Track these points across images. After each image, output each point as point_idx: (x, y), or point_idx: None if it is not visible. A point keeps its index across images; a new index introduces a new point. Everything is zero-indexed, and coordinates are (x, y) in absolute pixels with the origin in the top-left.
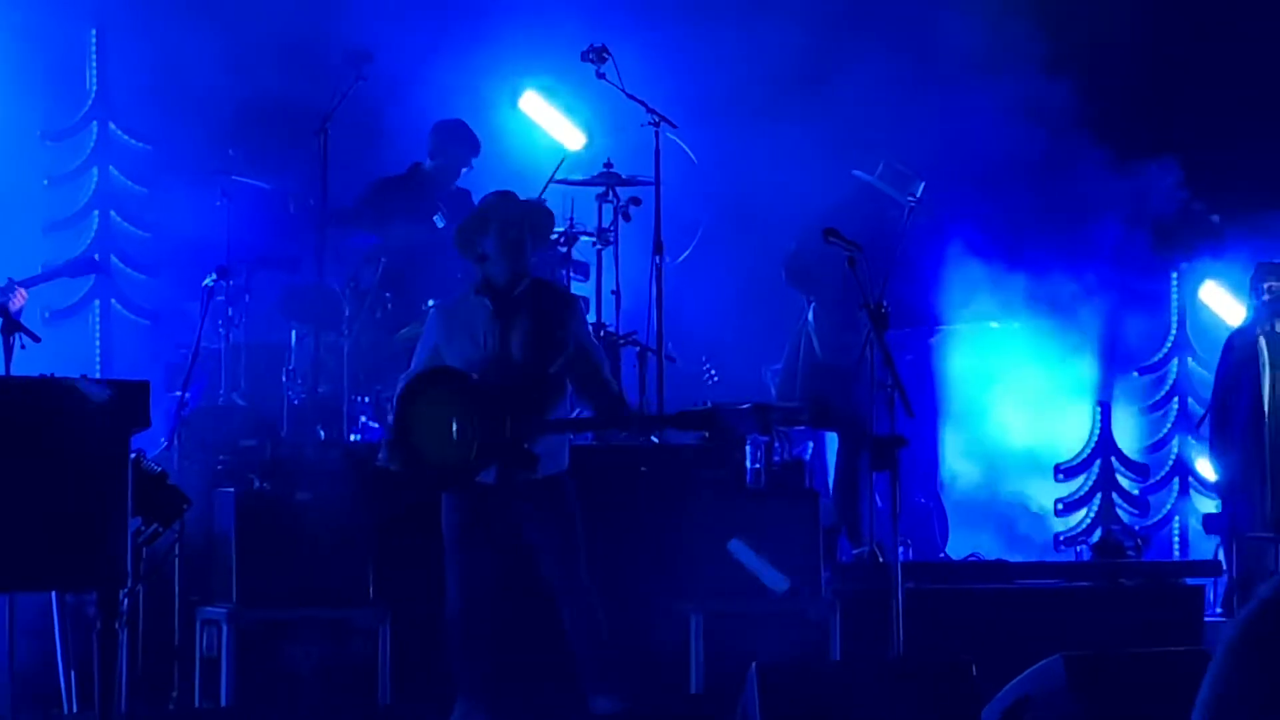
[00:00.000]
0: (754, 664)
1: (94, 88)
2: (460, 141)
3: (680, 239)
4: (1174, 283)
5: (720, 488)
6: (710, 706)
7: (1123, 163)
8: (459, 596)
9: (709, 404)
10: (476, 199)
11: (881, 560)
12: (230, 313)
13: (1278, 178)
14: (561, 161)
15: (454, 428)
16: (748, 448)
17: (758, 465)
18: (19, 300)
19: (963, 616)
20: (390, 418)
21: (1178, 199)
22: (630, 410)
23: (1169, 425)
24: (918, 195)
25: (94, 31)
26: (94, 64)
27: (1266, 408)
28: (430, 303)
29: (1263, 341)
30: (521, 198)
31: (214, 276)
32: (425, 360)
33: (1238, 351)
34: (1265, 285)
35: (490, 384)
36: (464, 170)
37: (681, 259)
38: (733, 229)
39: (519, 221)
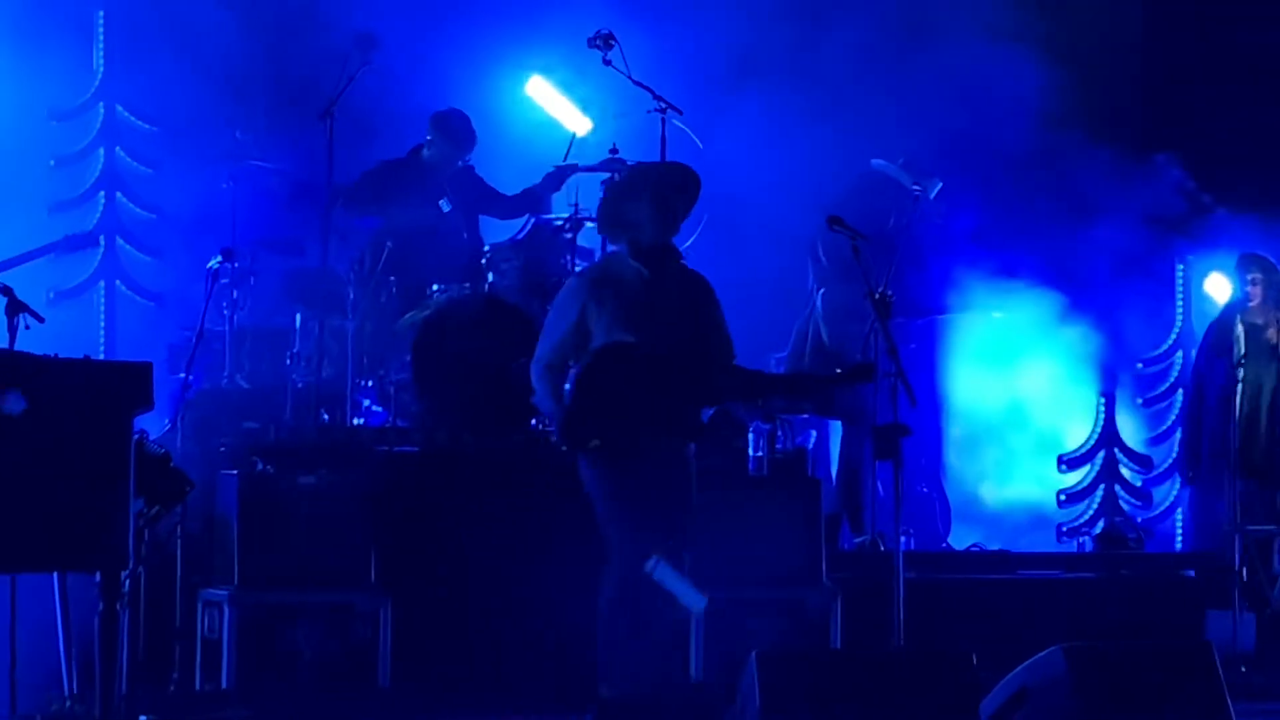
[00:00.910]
0: (754, 652)
1: (101, 68)
2: (453, 138)
3: (686, 226)
4: (1179, 274)
5: (723, 476)
6: (710, 694)
7: (1129, 154)
8: (624, 572)
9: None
10: (483, 176)
11: (883, 549)
12: (235, 295)
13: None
14: (570, 144)
15: (637, 400)
16: (750, 435)
17: (760, 453)
18: None
19: (964, 607)
20: (568, 398)
21: (1184, 190)
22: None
23: (1172, 417)
24: (931, 192)
25: (101, 12)
26: (101, 45)
27: (1239, 396)
28: (436, 287)
29: (1240, 330)
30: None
31: (219, 259)
32: (568, 332)
33: (1214, 340)
34: (1249, 276)
35: (661, 353)
36: (470, 150)
37: (686, 245)
38: (737, 216)
39: (675, 189)
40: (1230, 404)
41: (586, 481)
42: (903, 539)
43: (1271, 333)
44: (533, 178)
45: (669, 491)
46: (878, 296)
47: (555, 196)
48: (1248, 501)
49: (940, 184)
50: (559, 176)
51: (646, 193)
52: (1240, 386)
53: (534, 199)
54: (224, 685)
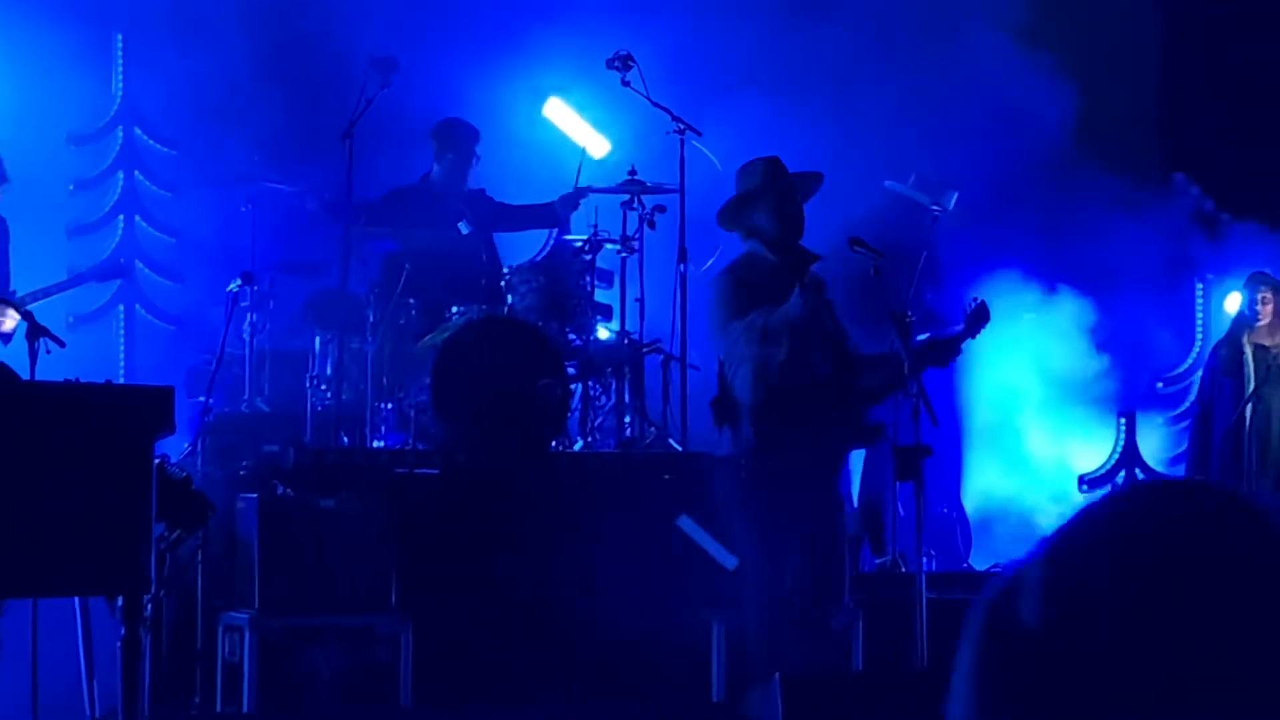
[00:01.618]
0: (777, 674)
1: (120, 92)
2: (458, 134)
3: (705, 247)
4: (1198, 294)
5: None
6: (730, 714)
7: (1146, 173)
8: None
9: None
10: (493, 195)
11: (904, 570)
12: (254, 318)
13: None
14: (580, 163)
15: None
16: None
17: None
18: (8, 323)
19: None
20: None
21: (1202, 209)
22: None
23: None
24: (949, 205)
25: (120, 36)
26: (120, 69)
27: (1248, 415)
28: (455, 309)
29: (1249, 350)
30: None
31: (239, 282)
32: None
33: (1221, 359)
34: (1258, 295)
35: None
36: (473, 162)
37: (706, 267)
38: None
39: (794, 193)
40: (1240, 425)
41: None
42: (924, 560)
43: (1279, 352)
44: (550, 199)
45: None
46: (899, 316)
47: (574, 216)
48: None
49: (956, 193)
50: (575, 198)
51: (770, 199)
52: (1250, 407)
53: (550, 215)
54: (245, 709)
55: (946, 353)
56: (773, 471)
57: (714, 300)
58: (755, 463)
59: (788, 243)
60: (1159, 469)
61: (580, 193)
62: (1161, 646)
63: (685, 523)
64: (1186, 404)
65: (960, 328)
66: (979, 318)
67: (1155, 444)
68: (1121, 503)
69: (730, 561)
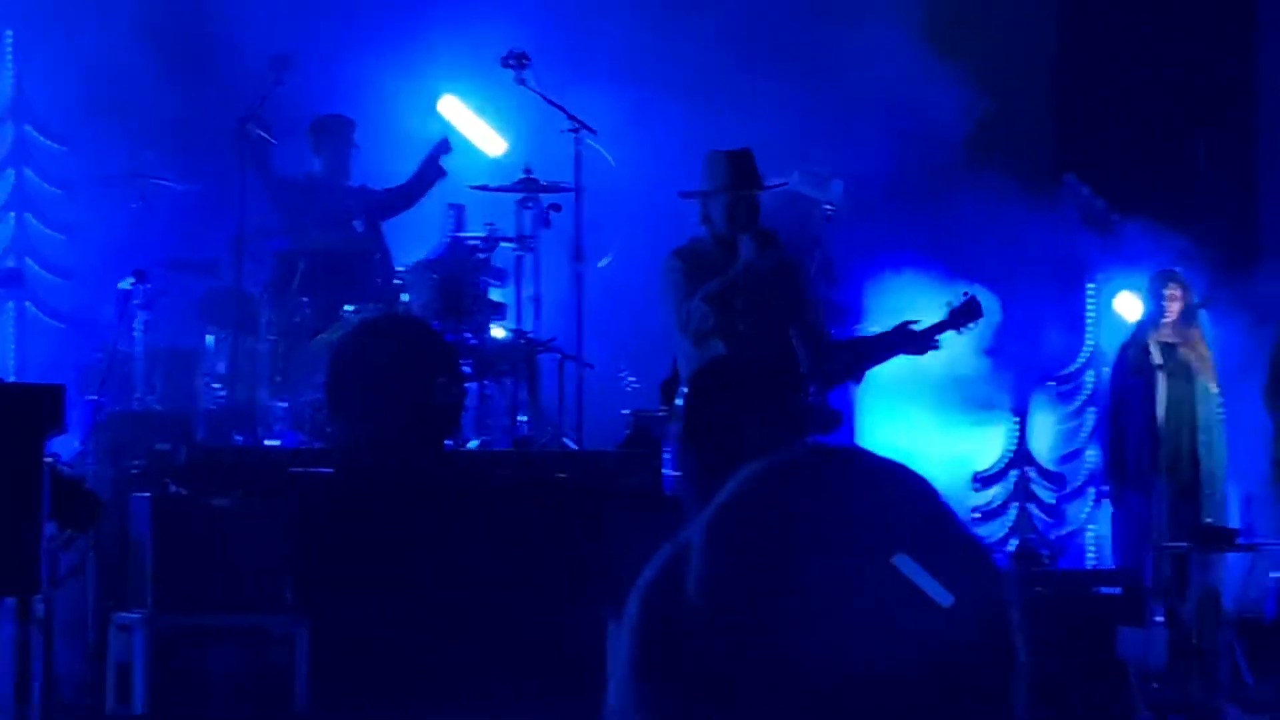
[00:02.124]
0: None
1: (10, 89)
2: (333, 128)
3: (601, 245)
4: (1089, 293)
5: (639, 494)
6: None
7: (1039, 173)
8: None
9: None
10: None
11: None
12: (146, 316)
13: (1183, 189)
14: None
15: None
16: (665, 455)
17: (678, 472)
18: None
19: None
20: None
21: (1094, 210)
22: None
23: (1085, 435)
24: (836, 197)
25: (9, 33)
26: (10, 65)
27: (1160, 415)
28: (350, 307)
29: (1155, 348)
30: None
31: (131, 280)
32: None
33: (1129, 360)
34: (1165, 292)
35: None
36: (351, 153)
37: (601, 265)
38: (652, 236)
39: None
40: (1152, 423)
41: None
42: None
43: (1185, 350)
44: (446, 196)
45: None
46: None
47: (468, 215)
48: (1172, 519)
49: (842, 183)
50: (440, 149)
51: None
52: (1161, 405)
53: (430, 169)
54: (138, 710)
55: (923, 343)
56: (707, 449)
57: (663, 284)
58: (689, 440)
59: (732, 240)
60: (1050, 467)
61: (443, 143)
62: (814, 604)
63: (903, 561)
64: (1078, 403)
65: (943, 318)
66: (968, 312)
67: (1048, 442)
68: (773, 472)
69: (946, 599)
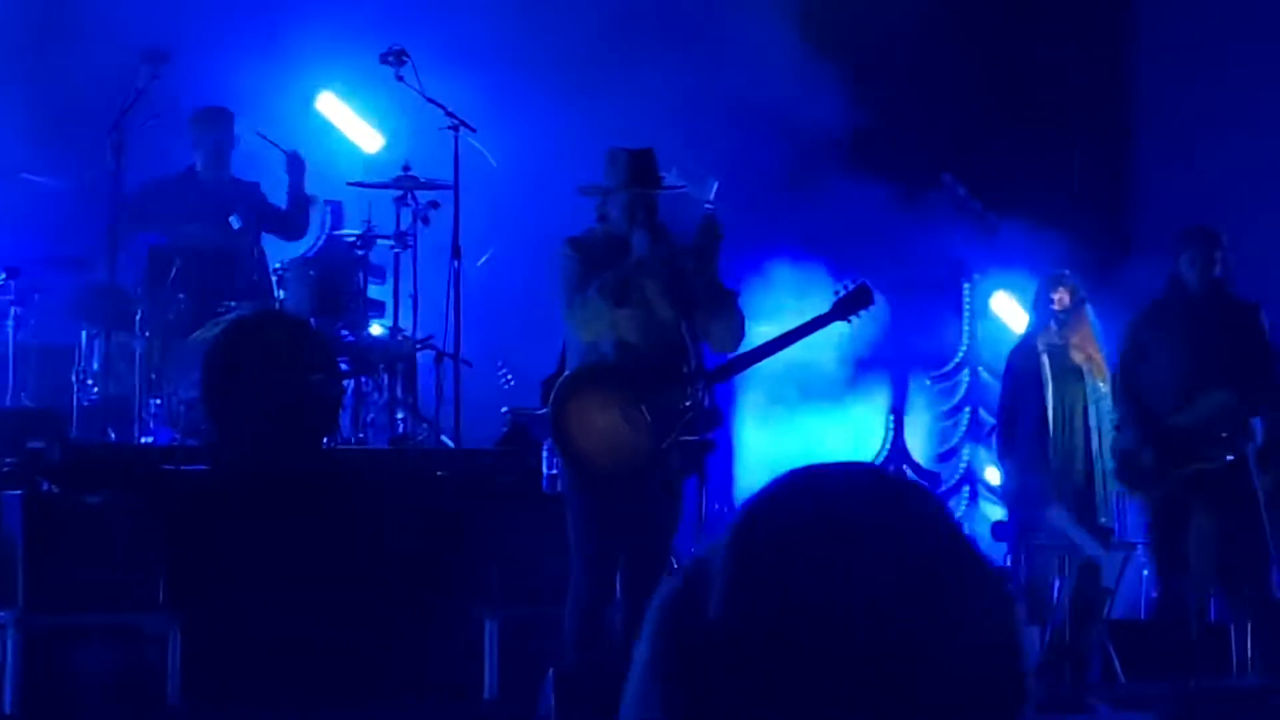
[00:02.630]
0: (551, 669)
1: None
2: (212, 120)
3: (479, 243)
4: (965, 293)
5: (516, 492)
6: (503, 711)
7: (914, 172)
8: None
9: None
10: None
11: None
12: (18, 312)
13: (1059, 190)
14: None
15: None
16: (544, 453)
17: (554, 471)
18: None
19: None
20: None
21: (970, 209)
22: None
23: (960, 434)
24: (710, 194)
25: None
26: None
27: (1050, 419)
28: (226, 304)
29: (1044, 354)
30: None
31: (3, 276)
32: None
33: (1020, 364)
34: (1053, 295)
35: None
36: (232, 145)
37: (480, 263)
38: (530, 233)
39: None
40: (1043, 427)
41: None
42: None
43: (1075, 353)
44: (324, 193)
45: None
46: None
47: (346, 211)
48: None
49: (716, 182)
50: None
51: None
52: (1051, 411)
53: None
54: (6, 710)
55: (807, 335)
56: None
57: (559, 271)
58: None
59: (625, 237)
60: (927, 465)
61: (294, 160)
62: (835, 621)
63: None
64: (953, 402)
65: (830, 308)
66: (858, 300)
67: (923, 440)
68: (786, 489)
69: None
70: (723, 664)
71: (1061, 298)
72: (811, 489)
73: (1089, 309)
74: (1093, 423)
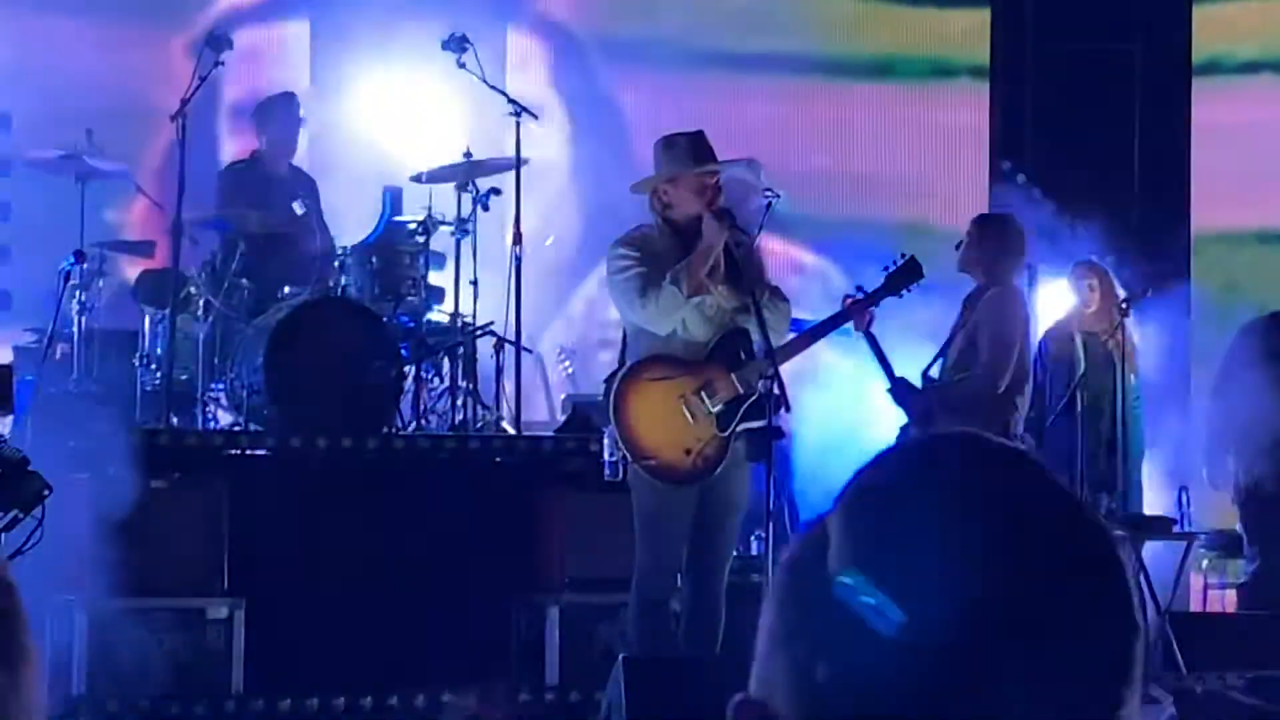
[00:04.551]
0: (621, 656)
1: None
2: (280, 105)
3: (542, 228)
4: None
5: (577, 479)
6: (565, 698)
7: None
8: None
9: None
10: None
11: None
12: (84, 297)
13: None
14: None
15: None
16: (605, 440)
17: (615, 458)
18: None
19: None
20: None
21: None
22: None
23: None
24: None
25: None
26: None
27: (1080, 408)
28: (288, 290)
29: (1079, 340)
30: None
31: (71, 260)
32: None
33: (1053, 349)
34: (1087, 283)
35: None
36: (297, 131)
37: (547, 244)
38: (593, 222)
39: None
40: (1071, 408)
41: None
42: (758, 544)
43: (1109, 340)
44: (383, 179)
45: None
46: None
47: (403, 199)
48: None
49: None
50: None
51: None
52: (1082, 396)
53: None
54: (74, 691)
55: (858, 315)
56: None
57: (620, 276)
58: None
59: (686, 226)
60: None
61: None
62: (960, 589)
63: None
64: None
65: (881, 284)
66: (908, 273)
67: None
68: (894, 452)
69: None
70: (840, 620)
71: (1092, 284)
72: (918, 452)
73: (1123, 297)
74: (1119, 410)
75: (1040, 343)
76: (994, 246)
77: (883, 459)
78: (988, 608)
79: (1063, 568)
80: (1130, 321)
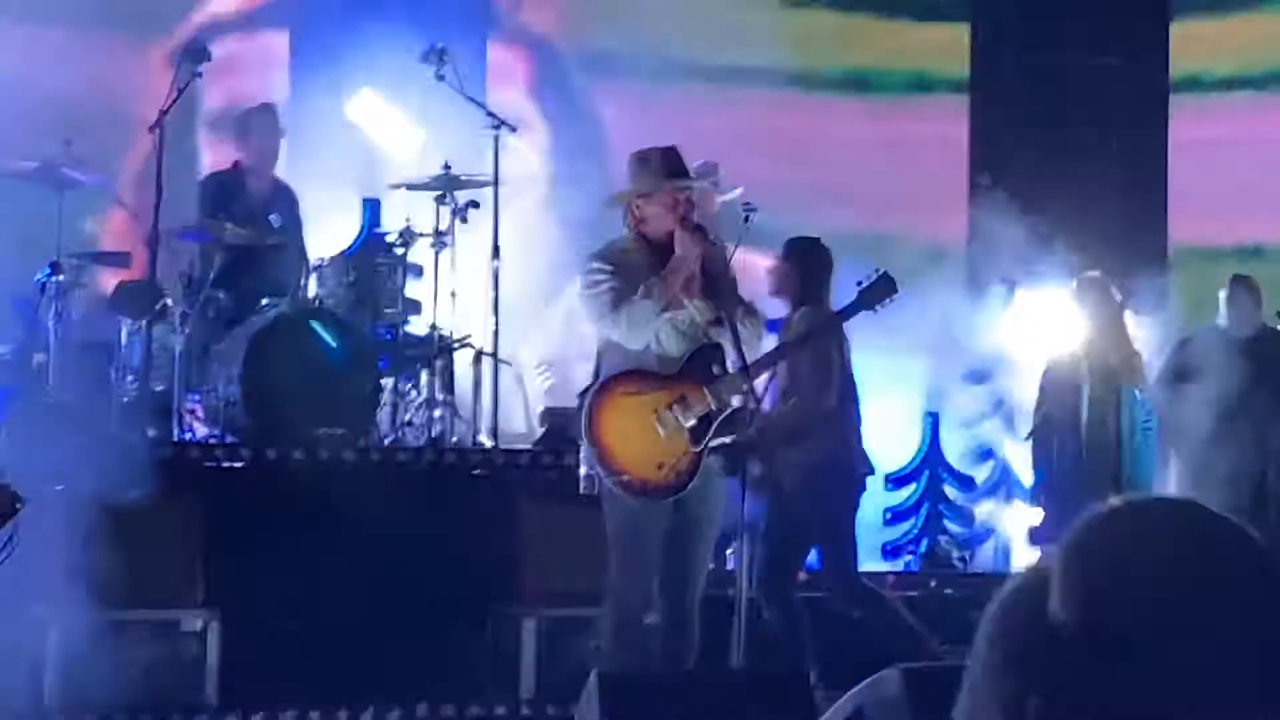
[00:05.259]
0: (595, 671)
1: None
2: (261, 116)
3: (520, 242)
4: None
5: (553, 492)
6: (540, 712)
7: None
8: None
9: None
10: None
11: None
12: (60, 308)
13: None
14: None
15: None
16: (581, 453)
17: (591, 471)
18: None
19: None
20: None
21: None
22: None
23: (996, 437)
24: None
25: None
26: None
27: (1084, 421)
28: (266, 301)
29: (1082, 354)
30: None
31: (47, 271)
32: None
33: (1058, 366)
34: (1089, 296)
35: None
36: (278, 142)
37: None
38: (573, 234)
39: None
40: (1076, 433)
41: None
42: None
43: (1112, 356)
44: (362, 191)
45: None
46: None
47: (381, 210)
48: None
49: (739, 189)
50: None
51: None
52: (1088, 410)
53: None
54: (45, 703)
55: (837, 326)
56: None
57: (593, 290)
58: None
59: (659, 241)
60: (962, 469)
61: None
62: (1175, 651)
63: None
64: (990, 404)
65: (855, 299)
66: (882, 289)
67: (958, 443)
68: (1118, 510)
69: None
70: (1063, 661)
71: (1097, 299)
72: (1140, 514)
73: (1126, 311)
74: (1124, 425)
75: (1047, 365)
76: (801, 269)
77: (1105, 513)
78: (1205, 671)
79: (1259, 633)
80: (1134, 333)
